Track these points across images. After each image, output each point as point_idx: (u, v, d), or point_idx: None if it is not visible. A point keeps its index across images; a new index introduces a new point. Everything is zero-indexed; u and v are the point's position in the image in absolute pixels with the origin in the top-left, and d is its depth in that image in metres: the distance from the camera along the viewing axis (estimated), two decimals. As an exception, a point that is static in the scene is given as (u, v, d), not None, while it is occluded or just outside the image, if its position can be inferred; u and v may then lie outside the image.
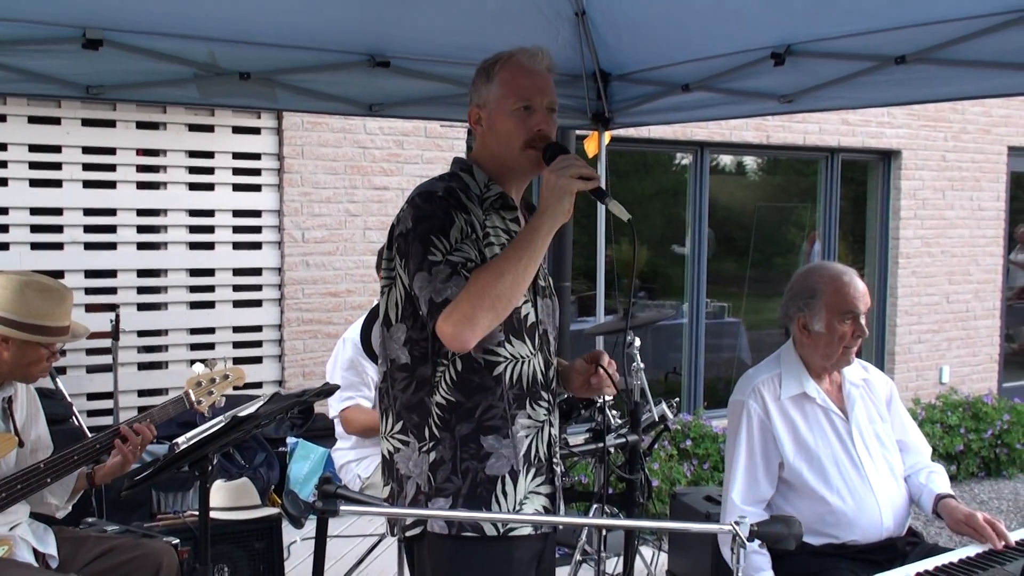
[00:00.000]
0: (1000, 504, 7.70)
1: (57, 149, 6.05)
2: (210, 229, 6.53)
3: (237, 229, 6.63)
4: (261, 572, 4.27)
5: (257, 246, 6.71)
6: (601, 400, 3.64)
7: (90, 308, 6.13)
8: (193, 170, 6.46)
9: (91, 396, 6.17)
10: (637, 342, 4.52)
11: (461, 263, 2.28)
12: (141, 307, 6.38)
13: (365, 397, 4.62)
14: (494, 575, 2.40)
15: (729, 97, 4.64)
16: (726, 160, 9.36)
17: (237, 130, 6.57)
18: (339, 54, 4.23)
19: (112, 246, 6.26)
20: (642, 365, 4.46)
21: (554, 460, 2.53)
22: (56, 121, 6.04)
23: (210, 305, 6.57)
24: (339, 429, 4.76)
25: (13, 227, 5.96)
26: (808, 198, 9.60)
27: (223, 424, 2.91)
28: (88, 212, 6.16)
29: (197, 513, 3.01)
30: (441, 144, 7.18)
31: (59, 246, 6.10)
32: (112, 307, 5.99)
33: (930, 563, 2.83)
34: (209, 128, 6.48)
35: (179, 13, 3.75)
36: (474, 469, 2.38)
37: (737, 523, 1.92)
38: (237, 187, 6.60)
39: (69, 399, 5.16)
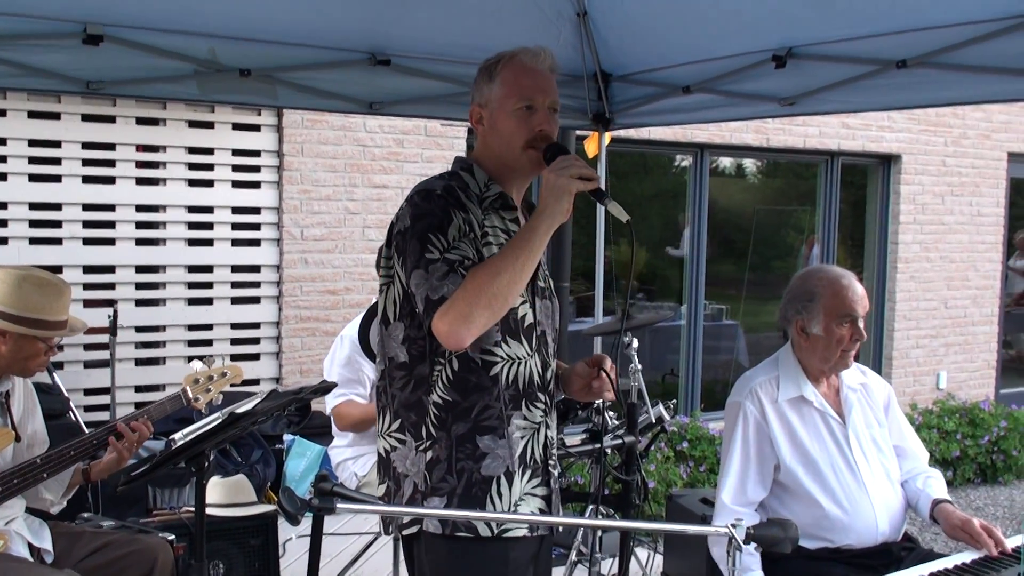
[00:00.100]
0: (995, 511, 7.70)
1: (57, 144, 6.05)
2: (209, 226, 6.54)
3: (236, 226, 6.63)
4: (256, 569, 4.27)
5: (256, 243, 6.71)
6: (599, 401, 3.63)
7: (88, 303, 6.13)
8: (193, 166, 6.46)
9: (88, 391, 6.17)
10: (635, 343, 4.52)
11: (458, 261, 2.28)
12: (139, 303, 6.38)
13: (359, 395, 4.62)
14: (491, 575, 2.40)
15: (730, 99, 4.65)
16: (726, 162, 9.36)
17: (237, 127, 6.57)
18: (340, 52, 4.23)
19: (111, 242, 6.26)
20: (639, 366, 4.45)
21: (550, 462, 2.52)
22: (56, 116, 6.03)
23: (208, 302, 6.57)
24: (335, 427, 4.75)
25: (12, 222, 5.96)
26: (807, 201, 9.60)
27: (220, 421, 2.90)
28: (87, 207, 6.16)
29: (193, 509, 3.00)
30: (441, 143, 7.18)
31: (58, 241, 6.10)
32: (110, 303, 5.99)
33: (925, 568, 2.83)
34: (209, 124, 6.48)
35: (180, 9, 3.74)
36: (469, 469, 2.38)
37: (733, 526, 1.92)
38: (236, 184, 6.60)
39: (66, 394, 5.17)
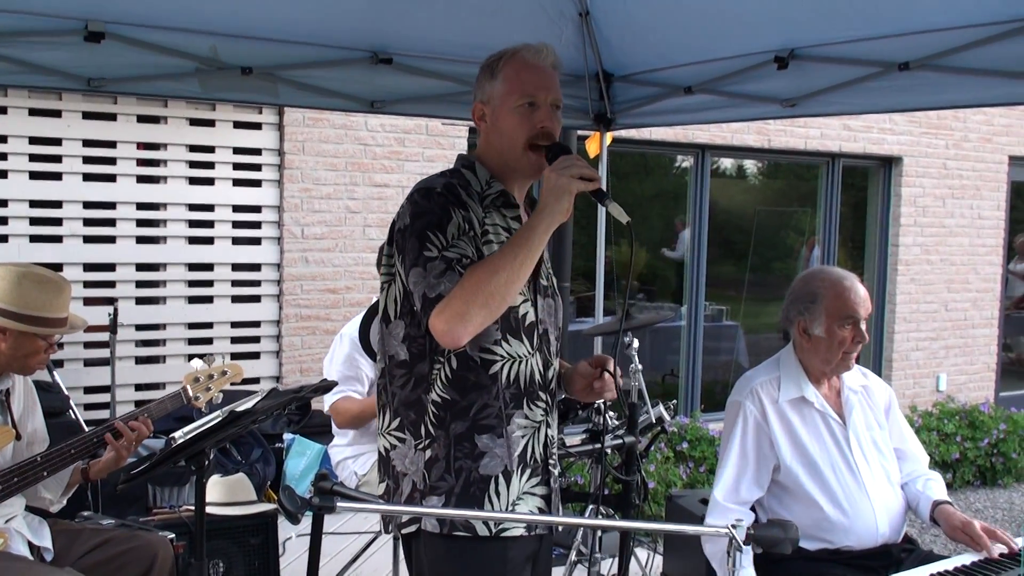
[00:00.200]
0: (995, 513, 7.70)
1: (57, 142, 6.05)
2: (210, 224, 6.53)
3: (237, 224, 6.63)
4: (256, 568, 4.26)
5: (256, 242, 6.71)
6: (599, 401, 3.63)
7: (88, 301, 6.12)
8: (193, 164, 6.46)
9: (88, 390, 6.17)
10: (635, 344, 4.52)
11: (456, 259, 2.27)
12: (139, 301, 6.37)
13: (356, 392, 4.61)
14: (489, 575, 2.40)
15: (731, 100, 4.65)
16: (727, 163, 9.36)
17: (238, 125, 6.57)
18: (341, 50, 4.23)
19: (111, 240, 6.26)
20: (640, 367, 4.45)
21: (550, 461, 2.51)
22: (57, 114, 6.03)
23: (209, 300, 6.57)
24: (334, 425, 4.75)
25: (12, 219, 5.96)
26: (808, 203, 9.61)
27: (220, 419, 2.90)
28: (88, 205, 6.16)
29: (193, 508, 3.00)
30: (442, 142, 7.18)
31: (58, 239, 6.10)
32: (110, 300, 5.99)
33: (925, 570, 2.83)
34: (210, 123, 6.49)
35: (182, 7, 3.75)
36: (467, 468, 2.37)
37: (734, 526, 1.92)
38: (237, 182, 6.60)
39: (66, 392, 5.16)
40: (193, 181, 6.47)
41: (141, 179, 6.33)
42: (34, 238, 6.03)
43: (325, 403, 4.70)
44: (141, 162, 6.34)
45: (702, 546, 3.32)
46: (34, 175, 6.02)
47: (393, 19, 4.08)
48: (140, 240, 6.36)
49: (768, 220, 9.84)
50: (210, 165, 6.51)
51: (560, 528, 4.60)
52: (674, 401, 4.56)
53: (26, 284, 3.24)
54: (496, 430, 2.38)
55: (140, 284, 6.36)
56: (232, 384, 3.70)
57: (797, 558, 3.08)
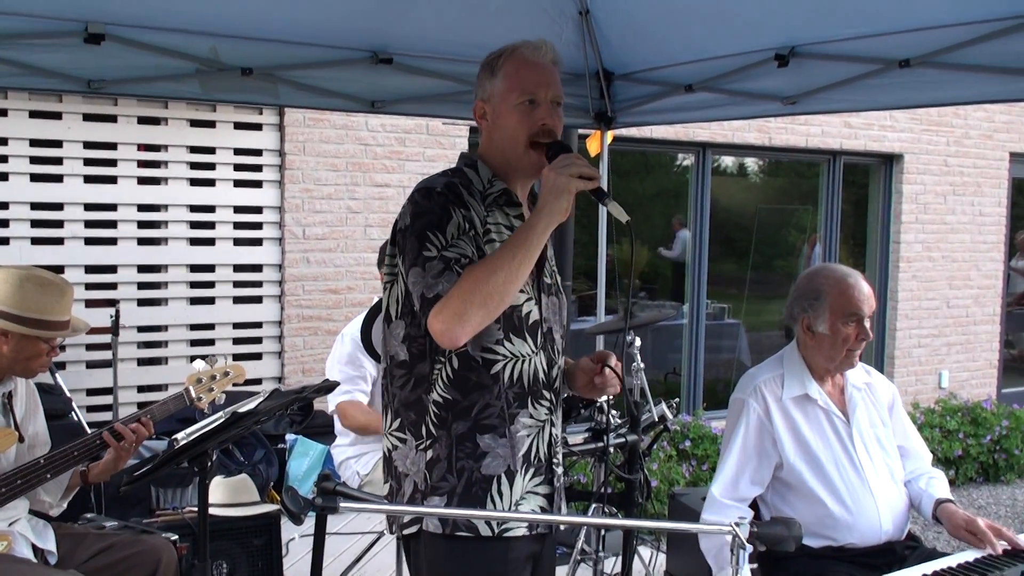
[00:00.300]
0: (998, 509, 7.70)
1: (58, 144, 6.05)
2: (211, 225, 6.53)
3: (238, 225, 6.63)
4: (260, 569, 4.26)
5: (258, 242, 6.71)
6: (603, 399, 3.63)
7: (90, 303, 6.12)
8: (194, 166, 6.46)
9: (91, 392, 6.17)
10: (637, 342, 4.52)
11: (455, 259, 2.27)
12: (141, 303, 6.37)
13: (362, 391, 4.62)
14: (490, 575, 2.39)
15: (732, 98, 4.64)
16: (728, 161, 9.36)
17: (239, 126, 6.57)
18: (342, 50, 4.23)
19: (112, 241, 6.26)
20: (642, 365, 4.46)
21: (554, 460, 2.51)
22: (57, 116, 6.03)
23: (210, 301, 6.57)
24: (338, 426, 4.76)
25: (13, 222, 5.96)
26: (809, 201, 9.60)
27: (222, 420, 2.90)
28: (89, 207, 6.16)
29: (196, 509, 3.01)
30: (443, 142, 7.18)
31: (59, 241, 6.10)
32: (112, 302, 5.99)
33: (928, 567, 2.82)
34: (210, 124, 6.48)
35: (181, 8, 3.74)
36: (469, 468, 2.36)
37: (737, 524, 1.91)
38: (238, 183, 6.60)
39: (69, 394, 5.16)
40: (194, 182, 6.46)
41: (142, 180, 6.32)
42: (35, 240, 6.03)
43: (328, 403, 4.71)
44: (142, 163, 6.34)
45: (699, 543, 3.32)
46: (35, 177, 6.02)
47: (393, 19, 4.07)
48: (141, 242, 6.36)
49: (769, 218, 9.84)
50: (211, 166, 6.51)
51: (563, 527, 4.60)
52: (676, 399, 4.56)
53: (28, 287, 3.24)
54: (498, 430, 2.38)
55: (142, 286, 6.36)
56: (234, 385, 3.70)
57: (801, 556, 3.07)
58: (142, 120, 6.29)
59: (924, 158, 9.50)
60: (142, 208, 6.33)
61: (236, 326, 6.68)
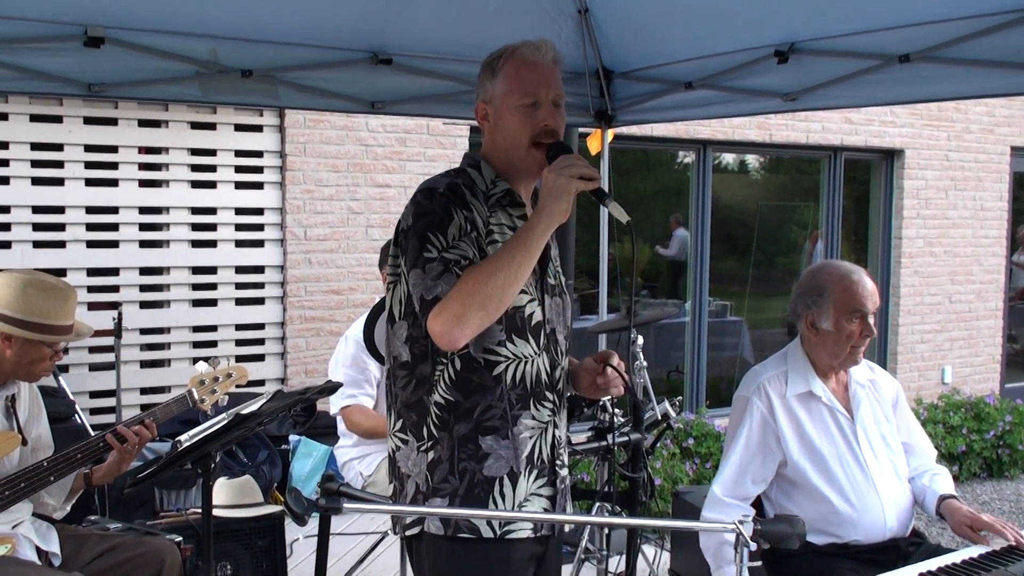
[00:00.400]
0: (1002, 505, 7.69)
1: (59, 147, 6.05)
2: (212, 227, 6.53)
3: (239, 227, 6.63)
4: (264, 570, 4.27)
5: (259, 244, 6.71)
6: (605, 399, 3.63)
7: (92, 306, 6.13)
8: (195, 168, 6.46)
9: (94, 394, 6.17)
10: (640, 340, 4.52)
11: (455, 261, 2.26)
12: (143, 305, 6.37)
13: (367, 395, 4.62)
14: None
15: (732, 95, 4.63)
16: (729, 158, 9.36)
17: (239, 128, 6.57)
18: (341, 51, 4.22)
19: (114, 244, 6.26)
20: (645, 363, 4.46)
21: (557, 462, 2.50)
22: (58, 119, 6.03)
23: (212, 303, 6.57)
24: (341, 427, 4.76)
25: (15, 225, 5.96)
26: (811, 197, 9.60)
27: (226, 422, 2.90)
28: (90, 210, 6.16)
29: (200, 511, 3.00)
30: (444, 142, 7.18)
31: (61, 244, 6.10)
32: (114, 305, 6.00)
33: (933, 563, 2.83)
34: (211, 126, 6.48)
35: (181, 11, 3.74)
36: (471, 470, 2.36)
37: (741, 522, 1.91)
38: (239, 185, 6.60)
39: (72, 397, 5.16)
40: (195, 184, 6.47)
41: (143, 183, 6.33)
42: (37, 244, 6.03)
43: (332, 405, 4.71)
44: (143, 166, 6.34)
45: (700, 541, 3.32)
46: (36, 181, 6.02)
47: (392, 19, 4.07)
48: (143, 244, 6.35)
49: (771, 215, 9.84)
50: (212, 168, 6.50)
51: (568, 526, 4.60)
52: (679, 397, 4.55)
53: (31, 291, 3.24)
54: (501, 431, 2.37)
55: (144, 288, 6.36)
56: (237, 386, 3.70)
57: (805, 553, 3.08)
58: (143, 123, 6.29)
59: (925, 153, 9.49)
60: (143, 211, 6.33)
61: (238, 327, 6.68)
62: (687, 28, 4.26)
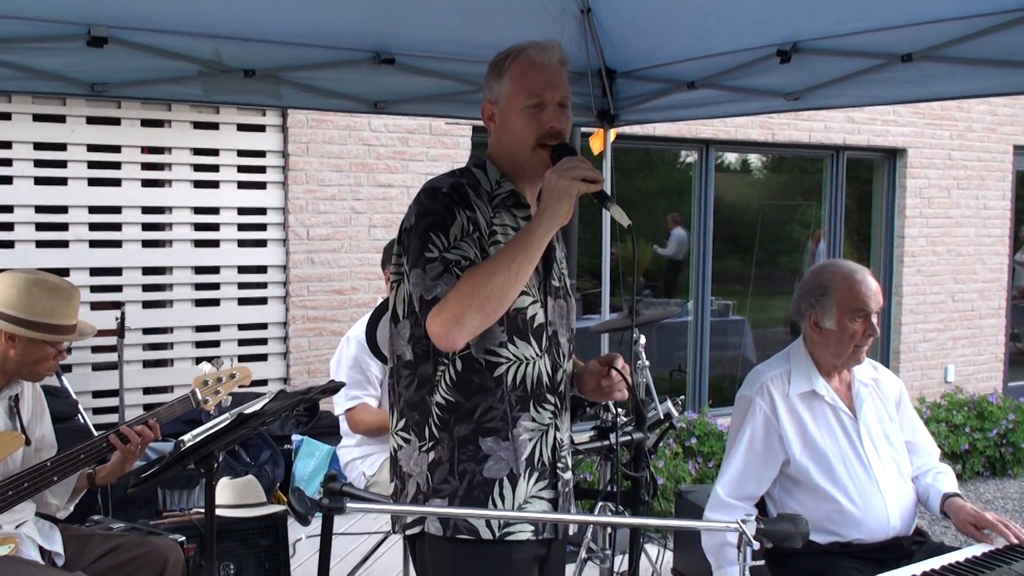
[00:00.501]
0: (1005, 503, 7.69)
1: (62, 147, 6.05)
2: (215, 227, 6.54)
3: (242, 227, 6.63)
4: (267, 569, 4.27)
5: (262, 244, 6.71)
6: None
7: (95, 306, 6.13)
8: (198, 168, 6.46)
9: (97, 394, 6.18)
10: (642, 340, 4.52)
11: (455, 261, 2.26)
12: (146, 305, 6.38)
13: (371, 396, 4.62)
14: None
15: (735, 95, 4.63)
16: (731, 158, 9.35)
17: (242, 127, 6.57)
18: (344, 51, 4.23)
19: (117, 244, 6.26)
20: (647, 363, 4.46)
21: (559, 465, 2.48)
22: (61, 119, 6.04)
23: (215, 303, 6.58)
24: (344, 427, 4.76)
25: (18, 225, 5.97)
26: (813, 196, 9.59)
27: (228, 422, 2.91)
28: (93, 210, 6.17)
29: (203, 510, 3.01)
30: (446, 141, 7.18)
31: (64, 244, 6.11)
32: (117, 305, 6.00)
33: (936, 562, 2.83)
34: (214, 126, 6.49)
35: (184, 11, 3.74)
36: (471, 471, 2.35)
37: (744, 521, 1.92)
38: (242, 184, 6.60)
39: (75, 397, 5.17)
40: (198, 184, 6.47)
41: (146, 183, 6.33)
42: (40, 243, 6.04)
43: (339, 407, 4.70)
44: (146, 166, 6.34)
45: (701, 541, 3.32)
46: (39, 180, 6.02)
47: (395, 19, 4.07)
48: (146, 244, 6.36)
49: (773, 214, 9.84)
50: (214, 168, 6.51)
51: (570, 527, 4.60)
52: (682, 397, 4.56)
53: (35, 291, 3.24)
54: (501, 433, 2.37)
55: (147, 288, 6.37)
56: (240, 386, 3.70)
57: (808, 552, 3.08)
58: (145, 123, 6.29)
59: (928, 152, 9.49)
60: (146, 210, 6.33)
61: (241, 327, 6.68)
62: (689, 28, 4.26)
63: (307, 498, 1.91)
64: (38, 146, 5.99)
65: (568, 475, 2.54)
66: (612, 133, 5.14)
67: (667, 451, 7.02)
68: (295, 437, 6.23)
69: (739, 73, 4.37)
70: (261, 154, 6.64)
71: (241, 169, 6.59)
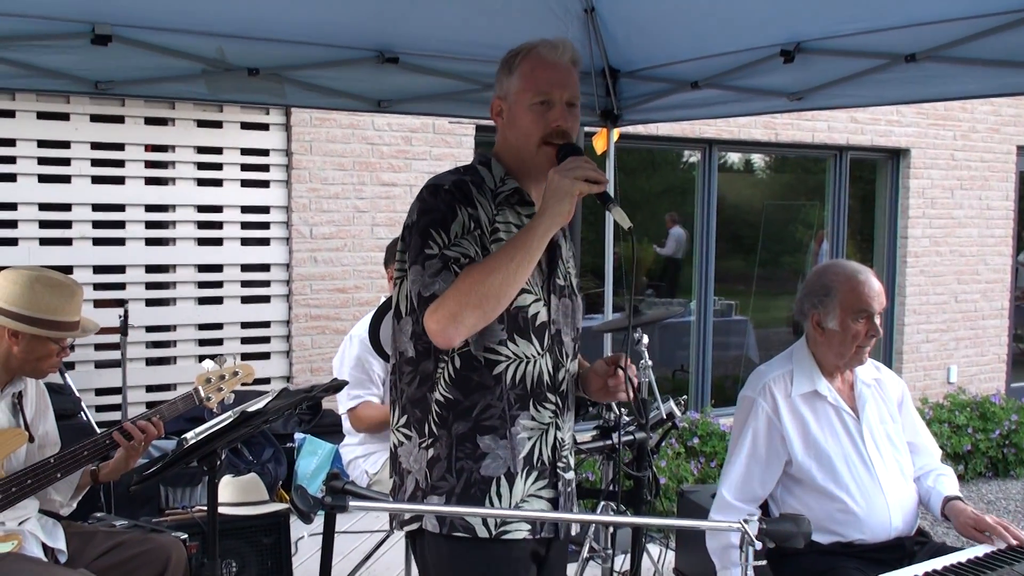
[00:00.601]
0: (1008, 504, 7.68)
1: (66, 145, 6.06)
2: (218, 225, 6.54)
3: (245, 225, 6.64)
4: (269, 567, 4.28)
5: (265, 242, 6.72)
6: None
7: (98, 304, 6.14)
8: (201, 166, 6.47)
9: (99, 391, 6.18)
10: (645, 339, 4.51)
11: (454, 259, 2.26)
12: (149, 303, 6.39)
13: (374, 395, 4.62)
14: (491, 575, 2.39)
15: (738, 94, 4.63)
16: (734, 158, 9.35)
17: (245, 126, 6.58)
18: (348, 50, 4.23)
19: (121, 242, 6.27)
20: (650, 362, 4.45)
21: (559, 464, 2.48)
22: (65, 117, 6.04)
23: (218, 301, 6.58)
24: (347, 425, 4.76)
25: (22, 222, 5.98)
26: (816, 196, 9.58)
27: (231, 420, 2.91)
28: (97, 208, 6.17)
29: (205, 508, 3.01)
30: (449, 140, 7.18)
31: (68, 242, 6.12)
32: (120, 303, 6.01)
33: (938, 563, 2.83)
34: (217, 124, 6.49)
35: (188, 9, 3.75)
36: (468, 469, 2.35)
37: (746, 521, 1.92)
38: (245, 183, 6.61)
39: (78, 394, 5.18)
40: (201, 182, 6.48)
41: (149, 181, 6.34)
42: (44, 241, 6.05)
43: (339, 405, 4.71)
44: (149, 164, 6.35)
45: (706, 542, 3.32)
46: (43, 178, 6.03)
47: (399, 18, 4.07)
48: (149, 242, 6.37)
49: (776, 214, 9.83)
50: (218, 166, 6.52)
51: (575, 527, 4.60)
52: (684, 396, 4.55)
53: (38, 288, 3.25)
54: (499, 431, 2.36)
55: (150, 286, 6.37)
56: (243, 384, 3.70)
57: (810, 552, 3.08)
58: (149, 121, 6.30)
59: (931, 152, 9.48)
60: (150, 208, 6.34)
61: (244, 325, 6.69)
62: (693, 27, 4.25)
63: (310, 496, 1.92)
64: (42, 144, 6.00)
65: (570, 475, 2.53)
66: (615, 133, 5.14)
67: (669, 451, 7.03)
68: (297, 435, 6.23)
69: (743, 73, 4.37)
70: (265, 152, 6.65)
71: (245, 167, 6.59)
